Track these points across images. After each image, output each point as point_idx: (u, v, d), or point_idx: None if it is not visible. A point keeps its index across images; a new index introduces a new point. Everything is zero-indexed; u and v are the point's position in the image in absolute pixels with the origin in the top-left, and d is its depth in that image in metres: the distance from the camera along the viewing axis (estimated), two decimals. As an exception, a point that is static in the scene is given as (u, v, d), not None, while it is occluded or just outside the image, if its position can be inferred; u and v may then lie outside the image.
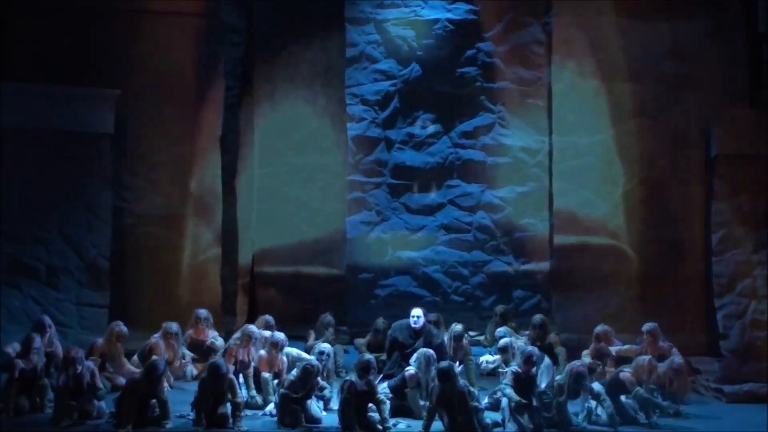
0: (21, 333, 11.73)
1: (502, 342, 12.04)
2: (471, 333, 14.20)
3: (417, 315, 11.82)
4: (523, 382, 10.02)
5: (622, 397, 10.44)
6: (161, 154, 13.98)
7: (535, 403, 9.97)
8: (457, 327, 12.20)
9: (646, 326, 12.08)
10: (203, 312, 12.64)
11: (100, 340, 11.83)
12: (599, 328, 12.31)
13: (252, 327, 11.73)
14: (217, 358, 10.76)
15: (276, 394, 10.65)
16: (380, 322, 13.08)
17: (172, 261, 14.00)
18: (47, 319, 11.68)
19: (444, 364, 10.07)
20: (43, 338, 11.33)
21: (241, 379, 11.15)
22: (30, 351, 10.70)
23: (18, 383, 10.53)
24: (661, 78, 14.18)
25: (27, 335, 10.97)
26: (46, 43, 13.48)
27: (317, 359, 10.90)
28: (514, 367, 10.27)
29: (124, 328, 11.83)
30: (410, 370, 10.78)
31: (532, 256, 15.10)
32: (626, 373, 10.55)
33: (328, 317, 13.48)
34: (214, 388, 10.04)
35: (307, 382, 10.21)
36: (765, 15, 13.31)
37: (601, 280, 14.30)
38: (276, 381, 11.05)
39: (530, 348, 10.48)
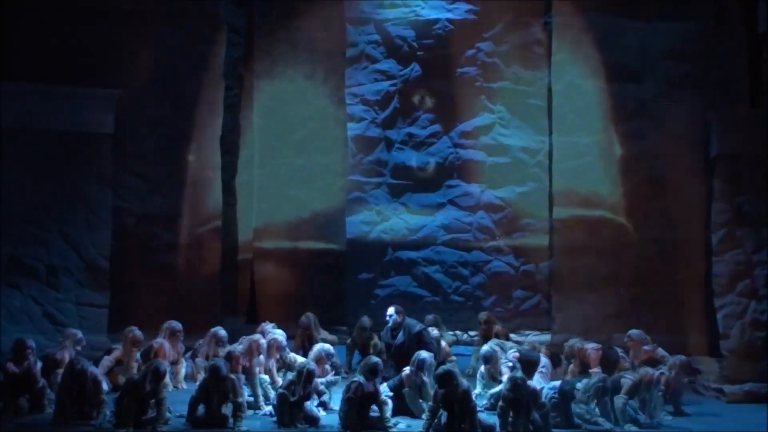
0: (21, 333, 11.74)
1: (484, 350, 11.80)
2: (471, 333, 14.24)
3: (389, 314, 11.93)
4: (515, 403, 9.87)
5: (621, 399, 10.41)
6: (161, 154, 13.98)
7: (534, 412, 9.88)
8: (434, 332, 12.16)
9: (630, 333, 12.06)
10: (223, 333, 12.23)
11: (118, 348, 11.75)
12: (569, 344, 12.08)
13: (261, 340, 11.38)
14: (217, 360, 10.72)
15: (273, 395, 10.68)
16: (365, 320, 13.08)
17: (171, 261, 13.99)
18: (79, 333, 11.64)
19: (441, 369, 10.06)
20: (73, 350, 11.29)
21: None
22: (23, 355, 10.68)
23: (12, 385, 10.53)
24: (661, 78, 14.18)
25: (18, 339, 10.97)
26: (46, 43, 13.48)
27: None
28: (504, 387, 10.07)
29: (139, 333, 11.79)
30: (407, 370, 10.82)
31: (532, 256, 15.10)
32: (627, 379, 10.53)
33: (310, 316, 13.24)
34: (213, 389, 10.04)
35: (305, 386, 10.21)
36: (765, 15, 13.32)
37: (601, 281, 14.29)
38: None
39: (519, 374, 10.11)
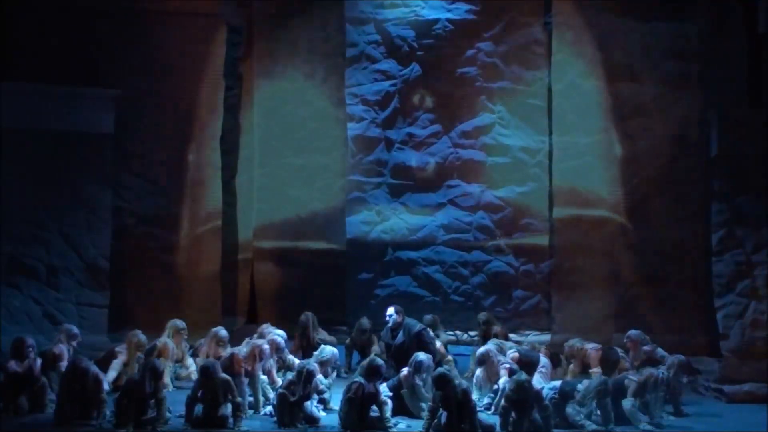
0: (21, 333, 11.71)
1: (479, 352, 11.73)
2: (471, 333, 14.22)
3: (389, 314, 11.94)
4: (518, 404, 9.84)
5: (629, 401, 10.39)
6: (161, 154, 13.99)
7: (536, 413, 9.84)
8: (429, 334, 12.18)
9: (629, 333, 12.06)
10: (225, 333, 12.21)
11: (121, 350, 11.68)
12: (569, 344, 12.06)
13: (265, 347, 11.21)
14: (207, 361, 10.70)
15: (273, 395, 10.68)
16: (365, 321, 13.07)
17: (171, 261, 14.00)
18: (74, 328, 11.65)
19: (437, 372, 10.04)
20: (71, 348, 11.35)
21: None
22: (24, 352, 10.68)
23: (13, 384, 10.54)
24: (661, 78, 14.19)
25: (18, 337, 10.98)
26: (46, 43, 13.48)
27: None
28: (508, 388, 9.94)
29: (143, 337, 11.73)
30: (405, 371, 10.81)
31: (532, 256, 15.09)
32: (631, 380, 10.52)
33: (309, 315, 13.19)
34: (206, 389, 10.03)
35: (305, 386, 10.20)
36: (765, 15, 13.29)
37: (601, 281, 14.30)
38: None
39: (523, 377, 9.93)
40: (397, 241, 15.28)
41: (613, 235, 14.37)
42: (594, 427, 10.11)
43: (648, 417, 10.51)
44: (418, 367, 10.71)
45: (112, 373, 11.24)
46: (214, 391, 10.02)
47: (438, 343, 12.36)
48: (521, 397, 9.66)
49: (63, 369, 10.78)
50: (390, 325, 11.91)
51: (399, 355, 11.56)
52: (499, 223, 15.18)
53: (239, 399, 10.12)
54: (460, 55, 15.31)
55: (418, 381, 10.66)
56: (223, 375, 10.15)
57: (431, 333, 12.11)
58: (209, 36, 14.35)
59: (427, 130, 15.36)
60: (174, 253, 14.04)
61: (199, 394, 10.07)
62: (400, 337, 11.72)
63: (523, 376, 9.97)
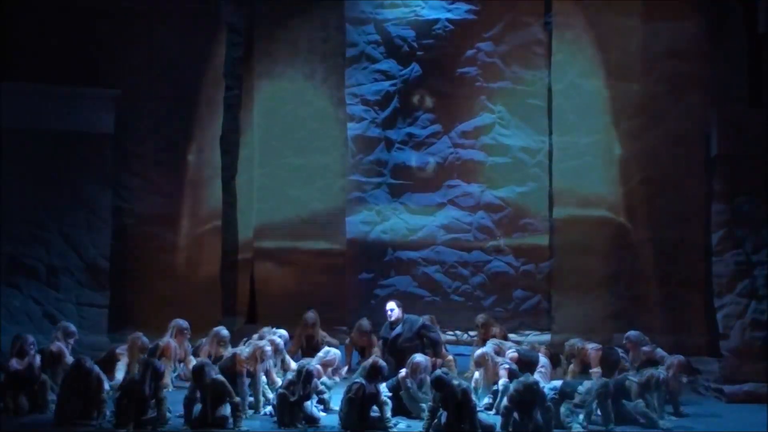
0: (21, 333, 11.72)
1: (476, 354, 11.62)
2: (471, 333, 14.21)
3: (390, 308, 11.95)
4: (522, 405, 9.82)
5: (641, 403, 10.37)
6: (161, 154, 13.99)
7: (538, 415, 9.83)
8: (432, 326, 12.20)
9: (628, 334, 12.05)
10: (226, 333, 12.16)
11: (123, 351, 11.64)
12: (569, 344, 11.99)
13: (267, 348, 11.12)
14: (199, 361, 10.69)
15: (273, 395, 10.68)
16: (365, 322, 12.99)
17: (171, 261, 14.00)
18: (71, 326, 11.64)
19: (434, 374, 10.04)
20: (68, 345, 11.36)
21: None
22: (25, 350, 10.69)
23: (14, 383, 10.54)
24: (661, 78, 14.18)
25: (18, 335, 10.98)
26: (46, 43, 13.48)
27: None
28: (513, 388, 9.84)
29: (146, 340, 11.72)
30: (402, 372, 10.81)
31: (532, 256, 15.09)
32: (633, 381, 10.51)
33: (315, 314, 13.11)
34: (201, 390, 10.01)
35: (305, 386, 10.20)
36: (765, 15, 13.29)
37: (601, 280, 14.31)
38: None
39: (531, 379, 9.91)
40: (397, 241, 15.28)
41: (613, 235, 14.38)
42: (578, 428, 10.09)
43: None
44: (415, 368, 10.70)
45: (119, 375, 11.23)
46: (206, 391, 10.00)
47: None
48: (527, 399, 9.66)
49: (64, 367, 10.79)
50: (391, 319, 11.89)
51: (394, 349, 11.54)
52: (499, 223, 15.18)
53: (237, 399, 10.10)
54: (460, 55, 15.31)
55: (409, 384, 10.63)
56: (216, 376, 10.09)
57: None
58: (209, 36, 14.35)
59: (427, 130, 15.37)
60: (174, 253, 14.04)
61: (197, 394, 10.07)
62: (398, 329, 11.71)
63: (531, 378, 9.96)
